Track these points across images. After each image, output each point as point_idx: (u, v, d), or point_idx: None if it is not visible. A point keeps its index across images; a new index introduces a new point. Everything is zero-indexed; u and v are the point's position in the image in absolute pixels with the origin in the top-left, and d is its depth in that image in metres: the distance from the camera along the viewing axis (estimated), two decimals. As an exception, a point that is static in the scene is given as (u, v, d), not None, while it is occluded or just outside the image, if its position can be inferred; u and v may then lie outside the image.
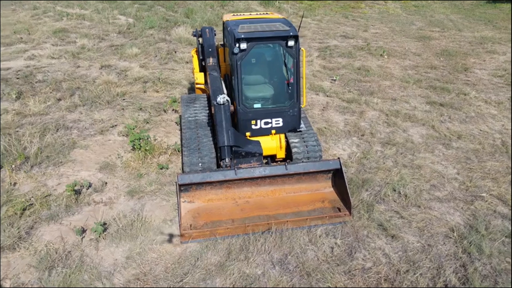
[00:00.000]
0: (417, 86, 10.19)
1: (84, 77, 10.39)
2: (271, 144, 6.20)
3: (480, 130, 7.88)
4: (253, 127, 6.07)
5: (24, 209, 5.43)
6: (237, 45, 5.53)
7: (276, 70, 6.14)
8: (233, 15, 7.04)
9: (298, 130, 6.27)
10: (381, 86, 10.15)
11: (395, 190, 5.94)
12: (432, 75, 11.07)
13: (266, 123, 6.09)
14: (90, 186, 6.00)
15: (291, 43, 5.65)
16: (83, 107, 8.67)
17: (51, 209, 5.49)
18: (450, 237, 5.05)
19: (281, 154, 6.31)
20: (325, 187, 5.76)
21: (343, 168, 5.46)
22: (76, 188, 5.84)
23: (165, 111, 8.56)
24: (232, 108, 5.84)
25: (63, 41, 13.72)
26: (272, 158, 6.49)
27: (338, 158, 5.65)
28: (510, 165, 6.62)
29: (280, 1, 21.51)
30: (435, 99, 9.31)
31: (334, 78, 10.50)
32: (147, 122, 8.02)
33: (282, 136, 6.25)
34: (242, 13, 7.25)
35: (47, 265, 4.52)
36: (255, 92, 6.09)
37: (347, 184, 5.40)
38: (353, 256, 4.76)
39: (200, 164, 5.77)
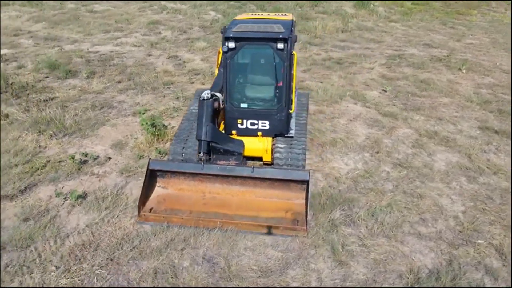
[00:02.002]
0: (481, 107, 8.81)
1: (148, 65, 11.53)
2: (258, 146, 6.16)
3: (530, 168, 6.53)
4: (239, 126, 6.11)
5: (38, 169, 6.44)
6: (226, 43, 5.64)
7: (266, 72, 6.05)
8: (251, 14, 7.10)
9: (286, 135, 6.10)
10: (436, 103, 9.04)
11: (373, 216, 5.38)
12: (510, 97, 9.41)
13: (252, 124, 6.07)
14: (96, 158, 6.79)
15: (280, 45, 5.52)
16: (132, 91, 9.69)
17: (57, 173, 6.39)
18: (403, 278, 4.42)
19: (267, 158, 6.22)
20: (297, 198, 5.52)
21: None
22: (85, 158, 6.70)
23: (198, 103, 9.03)
24: (216, 104, 5.95)
25: (151, 31, 15.32)
26: (261, 161, 6.44)
27: (309, 170, 5.38)
28: (540, 214, 5.40)
29: (376, 3, 20.36)
30: (492, 124, 7.95)
31: (385, 89, 9.70)
32: (176, 110, 8.62)
33: (270, 139, 6.17)
34: (259, 13, 7.25)
35: (25, 217, 5.35)
36: (243, 91, 6.12)
37: (309, 198, 5.13)
38: (284, 272, 4.54)
39: (182, 154, 6.08)
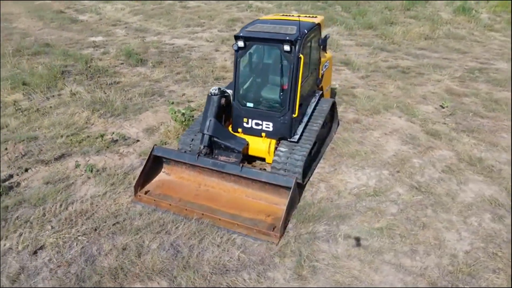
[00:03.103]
0: (556, 138, 7.38)
1: (210, 60, 12.12)
2: (261, 147, 6.15)
3: None
4: (245, 125, 6.16)
5: (77, 142, 7.34)
6: (236, 42, 5.74)
7: (273, 74, 5.97)
8: (281, 15, 7.02)
9: (290, 140, 5.96)
10: (498, 126, 7.84)
11: (358, 237, 4.99)
12: None
13: (257, 124, 6.08)
14: (126, 139, 7.47)
15: (286, 47, 5.42)
16: (186, 82, 10.33)
17: (91, 147, 7.21)
18: (356, 308, 4.05)
19: (269, 160, 6.17)
20: (284, 204, 5.37)
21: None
22: (116, 138, 7.43)
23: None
24: (223, 101, 6.07)
25: (228, 28, 15.99)
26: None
27: (296, 177, 5.21)
28: None
29: (481, 9, 18.13)
30: (559, 159, 6.63)
31: (443, 105, 8.72)
32: (214, 104, 8.95)
33: (274, 141, 6.10)
34: (289, 14, 7.11)
35: (48, 181, 6.19)
36: (250, 91, 6.14)
37: (288, 206, 5.00)
38: (238, 274, 4.52)
39: (190, 145, 6.36)
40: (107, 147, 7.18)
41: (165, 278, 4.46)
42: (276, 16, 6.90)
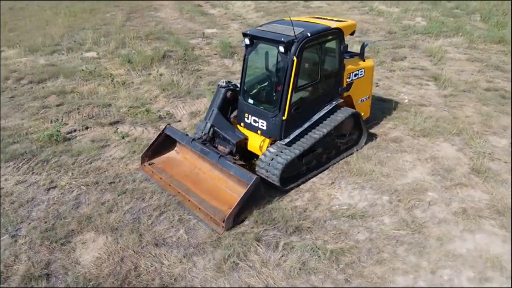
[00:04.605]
0: None
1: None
2: (256, 143, 6.26)
3: None
4: (246, 120, 6.35)
5: (134, 113, 8.65)
6: (244, 39, 5.97)
7: (273, 74, 5.93)
8: (316, 18, 6.79)
9: (282, 142, 5.91)
10: None
11: (300, 252, 4.75)
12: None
13: (254, 121, 6.21)
14: (170, 118, 8.44)
15: (281, 49, 5.43)
16: (256, 77, 10.83)
17: (141, 119, 8.39)
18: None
19: (262, 158, 6.22)
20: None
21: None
22: (164, 116, 8.47)
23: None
24: (229, 94, 6.36)
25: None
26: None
27: (257, 176, 5.23)
28: None
29: None
30: None
31: (522, 140, 7.11)
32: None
33: (268, 140, 6.13)
34: (321, 17, 6.80)
35: (94, 139, 7.55)
36: (252, 88, 6.24)
37: (241, 201, 5.10)
38: (169, 250, 4.88)
39: (202, 131, 6.88)
40: (151, 122, 8.26)
41: (113, 235, 5.14)
42: (307, 18, 6.74)
